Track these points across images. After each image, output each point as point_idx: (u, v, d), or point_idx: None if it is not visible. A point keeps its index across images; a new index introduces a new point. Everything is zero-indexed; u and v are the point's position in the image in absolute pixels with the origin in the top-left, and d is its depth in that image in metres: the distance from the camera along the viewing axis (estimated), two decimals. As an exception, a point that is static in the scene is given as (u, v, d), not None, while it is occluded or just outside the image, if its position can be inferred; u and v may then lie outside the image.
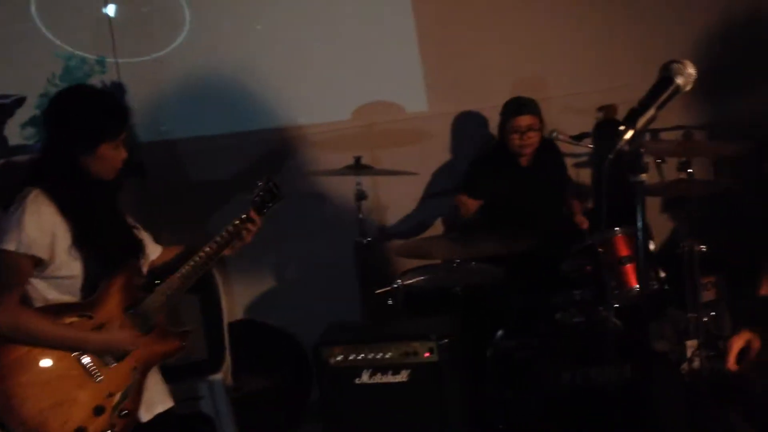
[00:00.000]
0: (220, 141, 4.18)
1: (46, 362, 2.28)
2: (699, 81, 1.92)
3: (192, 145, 4.16)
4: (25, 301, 2.32)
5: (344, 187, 4.07)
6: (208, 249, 2.49)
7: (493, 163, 4.07)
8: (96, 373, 2.32)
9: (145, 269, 2.54)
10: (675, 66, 1.82)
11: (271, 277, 4.39)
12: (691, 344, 3.58)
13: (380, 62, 4.36)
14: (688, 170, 3.71)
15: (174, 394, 2.59)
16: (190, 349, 2.60)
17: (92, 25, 4.00)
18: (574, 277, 3.59)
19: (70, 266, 2.32)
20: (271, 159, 4.22)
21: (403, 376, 3.09)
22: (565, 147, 4.20)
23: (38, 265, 2.30)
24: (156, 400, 2.48)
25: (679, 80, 1.82)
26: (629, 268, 3.47)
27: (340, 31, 4.33)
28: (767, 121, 4.39)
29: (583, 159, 4.55)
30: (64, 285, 2.34)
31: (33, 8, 3.93)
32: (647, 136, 4.02)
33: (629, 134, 1.78)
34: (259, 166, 4.08)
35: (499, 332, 3.43)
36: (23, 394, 2.23)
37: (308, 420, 3.86)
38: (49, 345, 2.28)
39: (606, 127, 4.38)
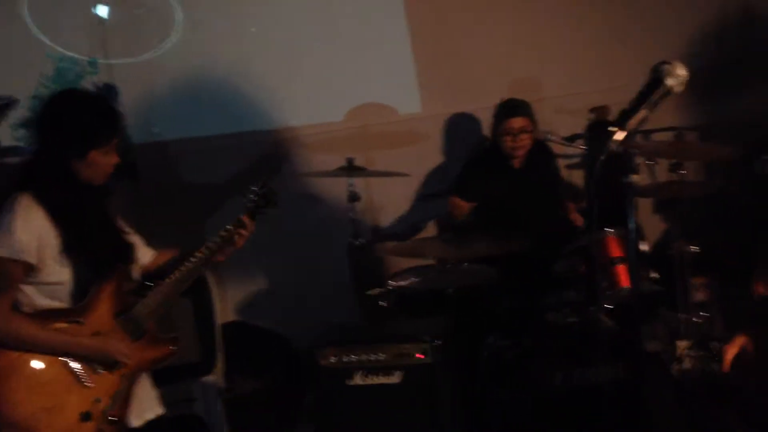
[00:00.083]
0: (213, 142, 4.18)
1: (35, 367, 2.27)
2: (692, 82, 1.93)
3: (185, 146, 4.15)
4: (15, 306, 2.30)
5: (337, 189, 4.07)
6: (200, 254, 2.47)
7: (486, 165, 4.08)
8: (85, 379, 2.31)
9: (136, 274, 2.52)
10: (665, 67, 1.83)
11: (263, 278, 4.38)
12: (682, 344, 3.60)
13: (373, 64, 4.37)
14: (680, 171, 3.72)
15: (167, 396, 2.59)
16: (182, 350, 2.59)
17: (84, 26, 4.00)
18: (567, 278, 3.60)
19: (59, 272, 2.31)
20: (264, 160, 4.22)
21: (396, 378, 3.09)
22: (557, 148, 4.21)
23: (28, 270, 2.29)
24: (146, 407, 2.47)
25: (670, 81, 1.82)
26: (621, 269, 3.48)
27: (334, 33, 4.33)
28: (760, 122, 4.41)
29: (576, 160, 4.57)
30: (53, 291, 2.33)
31: (25, 9, 3.92)
32: (639, 137, 4.03)
33: (620, 135, 1.79)
34: (252, 167, 4.08)
35: (490, 338, 3.43)
36: (13, 398, 2.23)
37: (301, 421, 3.86)
38: (38, 350, 2.27)
39: (598, 129, 4.39)
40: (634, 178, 1.86)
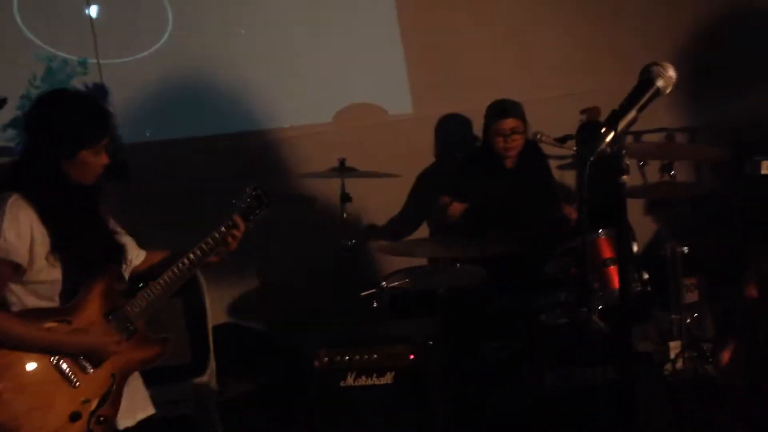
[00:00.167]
0: (204, 143, 4.16)
1: (23, 367, 2.25)
2: (682, 83, 1.93)
3: (175, 147, 4.13)
4: (4, 306, 2.29)
5: (328, 190, 4.06)
6: (192, 256, 2.46)
7: (478, 165, 4.08)
8: (73, 378, 2.30)
9: (127, 274, 2.51)
10: (655, 68, 1.83)
11: (255, 279, 4.37)
12: (674, 345, 3.61)
13: (365, 65, 4.37)
14: (671, 172, 3.74)
15: (158, 397, 2.57)
16: (174, 352, 2.57)
17: (74, 26, 3.98)
18: (558, 279, 3.60)
19: (48, 272, 2.30)
20: (255, 161, 4.21)
21: (387, 379, 3.09)
22: (549, 149, 4.21)
23: (17, 270, 2.27)
24: (137, 407, 2.46)
25: (660, 83, 1.83)
26: (612, 270, 3.49)
27: (325, 33, 4.33)
28: (750, 123, 4.43)
29: (568, 161, 4.57)
30: (43, 290, 2.32)
31: (15, 9, 3.90)
32: (629, 138, 4.04)
33: (610, 136, 1.79)
34: (243, 168, 4.07)
35: (482, 339, 3.43)
36: (0, 398, 2.21)
37: (294, 423, 3.85)
38: (26, 349, 2.26)
39: (589, 130, 4.40)
40: (625, 179, 1.86)
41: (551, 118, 4.30)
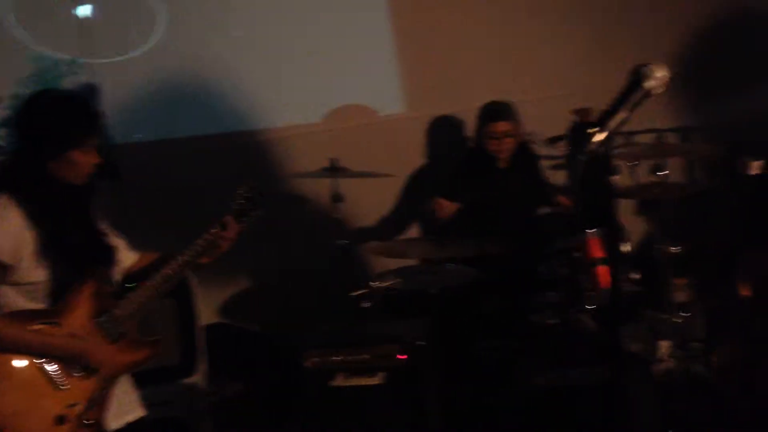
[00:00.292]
0: (196, 143, 4.16)
1: (8, 370, 2.24)
2: (676, 84, 1.93)
3: (167, 147, 4.13)
4: None
5: (321, 189, 4.06)
6: (183, 257, 2.45)
7: (472, 166, 4.08)
8: (60, 382, 2.29)
9: (118, 276, 2.50)
10: (645, 69, 1.83)
11: (247, 280, 4.37)
12: (665, 345, 3.61)
13: (357, 65, 4.36)
14: (662, 173, 3.74)
15: (148, 398, 2.56)
16: (165, 353, 2.56)
17: (65, 25, 3.96)
18: (550, 279, 3.60)
19: (36, 272, 2.28)
20: (246, 161, 4.20)
21: (378, 379, 3.09)
22: (541, 149, 4.22)
23: (3, 270, 2.26)
24: (126, 409, 2.44)
25: (649, 83, 1.83)
26: (603, 270, 3.49)
27: (318, 33, 4.32)
28: (741, 123, 4.44)
29: (560, 161, 4.58)
30: (31, 291, 2.31)
31: (4, 8, 3.88)
32: (621, 139, 4.05)
33: (600, 136, 1.79)
34: (235, 168, 4.06)
35: (473, 339, 3.43)
36: None
37: (286, 423, 3.84)
38: (12, 350, 2.25)
39: (581, 130, 4.40)
40: (615, 179, 1.86)
41: (543, 119, 4.31)
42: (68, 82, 3.92)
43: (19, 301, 2.30)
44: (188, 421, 3.47)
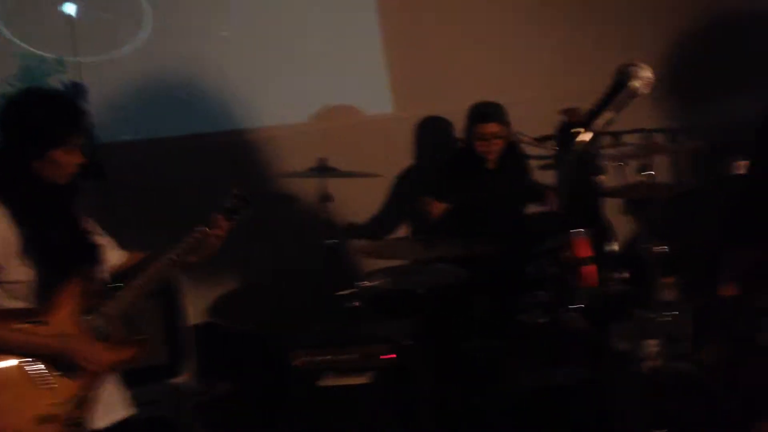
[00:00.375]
0: (183, 143, 4.14)
1: None
2: (664, 84, 1.94)
3: (153, 146, 4.11)
4: None
5: (309, 189, 4.05)
6: (171, 257, 2.44)
7: (460, 166, 4.09)
8: (46, 381, 2.28)
9: (105, 275, 2.49)
10: (630, 69, 1.84)
11: (235, 279, 4.36)
12: (652, 344, 3.63)
13: (345, 64, 4.36)
14: (649, 172, 3.75)
15: (136, 398, 2.55)
16: (152, 352, 2.55)
17: (52, 23, 3.94)
18: (538, 279, 3.61)
19: (20, 271, 2.27)
20: (234, 161, 4.19)
21: (367, 378, 3.09)
22: (529, 149, 4.23)
23: None
24: (114, 408, 2.43)
25: (634, 83, 1.84)
26: (591, 269, 3.50)
27: (305, 33, 4.32)
28: (728, 123, 4.46)
29: (548, 161, 4.59)
30: (16, 290, 2.29)
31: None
32: (608, 139, 4.07)
33: (586, 136, 1.80)
34: (223, 167, 4.05)
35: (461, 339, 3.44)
36: None
37: (275, 422, 3.84)
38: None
39: (569, 131, 4.41)
40: (602, 178, 1.87)
41: (532, 119, 4.32)
42: (54, 81, 3.89)
43: (3, 300, 2.29)
44: (176, 421, 3.46)
